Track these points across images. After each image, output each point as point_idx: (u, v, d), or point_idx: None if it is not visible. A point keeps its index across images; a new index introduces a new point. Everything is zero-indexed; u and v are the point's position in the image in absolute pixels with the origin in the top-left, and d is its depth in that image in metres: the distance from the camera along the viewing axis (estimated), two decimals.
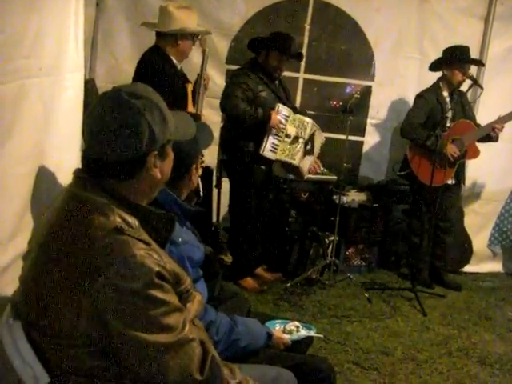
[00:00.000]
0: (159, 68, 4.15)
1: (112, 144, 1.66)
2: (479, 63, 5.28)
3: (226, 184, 5.16)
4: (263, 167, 4.86)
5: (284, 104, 4.80)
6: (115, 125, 1.66)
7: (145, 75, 4.13)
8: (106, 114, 1.68)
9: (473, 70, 5.34)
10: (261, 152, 4.67)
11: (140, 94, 1.70)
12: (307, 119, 4.81)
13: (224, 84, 5.11)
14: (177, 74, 4.31)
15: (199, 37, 4.43)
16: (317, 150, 4.94)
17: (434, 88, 5.23)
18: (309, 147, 4.84)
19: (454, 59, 5.08)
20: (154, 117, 1.70)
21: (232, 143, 4.85)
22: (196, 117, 4.24)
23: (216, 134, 5.11)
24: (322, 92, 5.99)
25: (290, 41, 4.80)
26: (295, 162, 4.75)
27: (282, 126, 4.69)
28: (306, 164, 4.89)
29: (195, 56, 4.78)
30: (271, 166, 4.98)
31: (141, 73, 4.20)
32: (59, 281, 1.58)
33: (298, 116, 4.80)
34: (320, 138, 4.94)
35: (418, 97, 5.27)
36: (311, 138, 4.83)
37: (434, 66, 5.23)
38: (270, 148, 4.69)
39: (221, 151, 5.03)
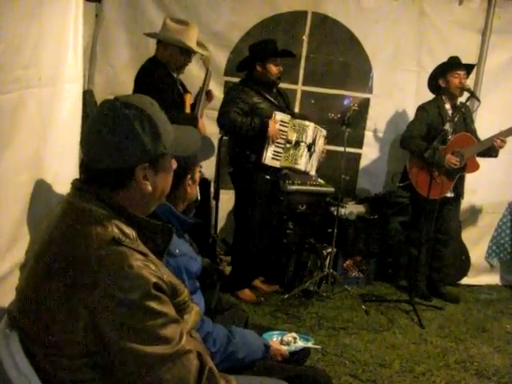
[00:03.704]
0: (155, 76, 4.22)
1: (101, 152, 1.66)
2: (471, 67, 5.30)
3: (223, 196, 5.17)
4: (268, 177, 4.85)
5: (283, 111, 4.81)
6: (104, 133, 1.66)
7: (141, 84, 4.22)
8: (97, 121, 1.70)
9: (470, 82, 5.36)
10: (262, 161, 4.69)
11: (133, 104, 1.70)
12: (307, 122, 4.81)
13: (222, 96, 5.12)
14: (173, 83, 4.36)
15: (202, 57, 4.60)
16: (319, 148, 4.92)
17: (436, 100, 5.25)
18: (312, 149, 4.85)
19: (447, 67, 5.12)
20: (145, 128, 1.68)
21: (237, 155, 4.85)
22: (192, 119, 4.29)
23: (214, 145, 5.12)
24: (320, 104, 6.01)
25: (274, 43, 4.84)
26: (299, 167, 4.78)
27: (282, 132, 4.71)
28: (314, 165, 4.92)
29: (195, 69, 4.81)
30: (278, 176, 4.99)
31: (138, 82, 4.29)
32: (56, 291, 1.57)
33: (298, 121, 4.81)
34: (322, 140, 4.92)
35: (420, 109, 5.29)
36: (315, 142, 4.85)
37: (432, 85, 5.27)
38: (271, 156, 4.71)
39: (228, 164, 5.01)
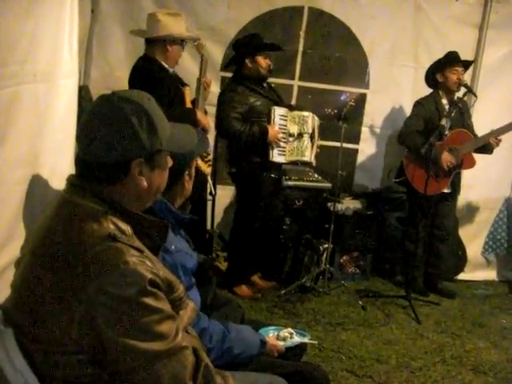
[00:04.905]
0: (148, 75, 4.18)
1: (96, 146, 1.65)
2: (469, 63, 5.30)
3: (220, 191, 5.16)
4: (273, 175, 4.86)
5: (278, 105, 4.81)
6: (100, 126, 1.66)
7: (136, 84, 4.17)
8: (94, 115, 1.69)
9: (467, 78, 5.36)
10: (270, 159, 4.70)
11: (131, 99, 1.69)
12: (305, 113, 4.85)
13: (218, 91, 5.11)
14: (168, 78, 4.32)
15: (195, 43, 4.49)
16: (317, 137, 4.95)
17: (433, 95, 5.25)
18: (313, 139, 4.87)
19: (446, 62, 5.11)
20: (142, 123, 1.67)
21: (239, 155, 4.81)
22: (190, 112, 4.25)
23: (211, 140, 5.10)
24: (317, 99, 6.00)
25: (259, 36, 4.83)
26: (306, 159, 4.83)
27: (282, 127, 4.71)
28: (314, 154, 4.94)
29: (189, 61, 4.79)
30: (280, 174, 4.98)
31: (132, 82, 4.24)
32: (51, 288, 1.57)
33: (296, 112, 4.84)
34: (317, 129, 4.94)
35: (416, 104, 5.28)
36: (314, 131, 4.85)
37: (429, 80, 5.26)
38: (277, 153, 4.72)
39: (228, 164, 4.97)
